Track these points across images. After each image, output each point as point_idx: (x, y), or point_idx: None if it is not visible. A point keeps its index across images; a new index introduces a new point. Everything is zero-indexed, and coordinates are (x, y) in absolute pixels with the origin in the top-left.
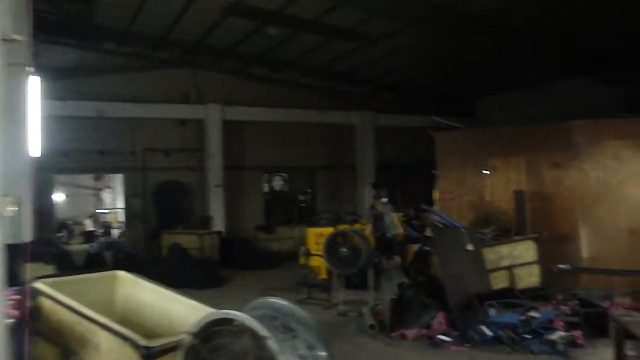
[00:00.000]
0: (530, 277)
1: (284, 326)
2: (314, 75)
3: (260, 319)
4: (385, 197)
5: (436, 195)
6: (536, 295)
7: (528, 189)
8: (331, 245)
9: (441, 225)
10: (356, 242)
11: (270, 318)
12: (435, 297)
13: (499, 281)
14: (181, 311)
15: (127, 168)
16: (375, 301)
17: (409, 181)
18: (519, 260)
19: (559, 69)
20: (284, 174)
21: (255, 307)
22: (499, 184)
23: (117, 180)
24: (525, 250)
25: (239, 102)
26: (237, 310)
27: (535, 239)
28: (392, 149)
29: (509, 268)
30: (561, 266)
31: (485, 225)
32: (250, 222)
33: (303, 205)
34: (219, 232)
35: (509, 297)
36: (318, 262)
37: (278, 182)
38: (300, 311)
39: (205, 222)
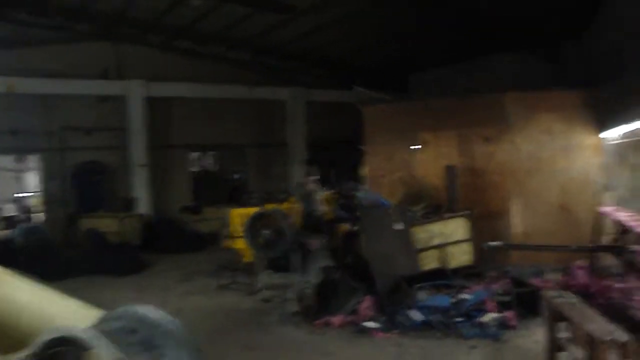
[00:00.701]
0: (462, 256)
1: (146, 342)
2: (242, 50)
3: (116, 333)
4: (316, 175)
5: (365, 172)
6: (468, 274)
7: (459, 164)
8: (253, 228)
9: (368, 204)
10: (279, 223)
11: (130, 332)
12: (364, 281)
13: (430, 261)
14: (64, 314)
15: (43, 148)
16: (302, 285)
17: (342, 158)
18: (450, 238)
19: (492, 43)
20: (213, 153)
21: (114, 317)
22: (429, 159)
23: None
24: (456, 228)
25: (164, 78)
26: (138, 305)
27: (466, 216)
28: (325, 125)
29: (440, 247)
30: (492, 243)
31: (416, 202)
32: (178, 203)
33: (234, 184)
34: (140, 215)
35: (440, 278)
36: (243, 245)
37: (207, 161)
38: (170, 322)
39: (128, 204)
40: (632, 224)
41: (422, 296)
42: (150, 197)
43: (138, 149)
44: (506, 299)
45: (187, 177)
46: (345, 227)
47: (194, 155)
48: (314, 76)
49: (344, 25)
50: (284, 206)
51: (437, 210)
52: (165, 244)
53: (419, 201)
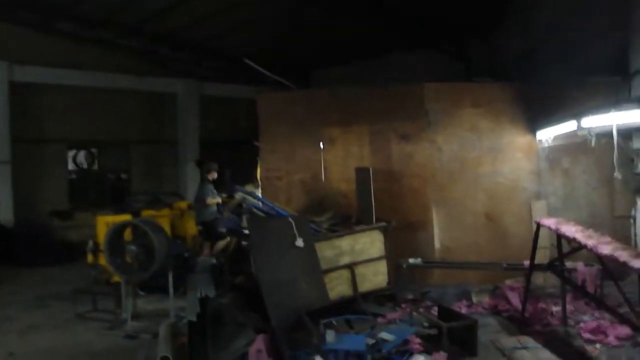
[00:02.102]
0: (376, 277)
1: None
2: (131, 36)
3: None
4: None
5: (259, 173)
6: (382, 296)
7: (373, 165)
8: (114, 243)
9: (259, 213)
10: (149, 236)
11: None
12: (258, 312)
13: (337, 284)
14: None
15: None
16: (180, 314)
17: (238, 159)
18: (362, 255)
19: (397, 40)
20: (92, 149)
21: None
22: (337, 159)
23: None
24: (370, 243)
25: (38, 62)
26: None
27: (382, 229)
28: (219, 122)
29: (350, 267)
30: (412, 260)
31: (319, 211)
32: (51, 206)
33: (117, 185)
34: None
35: (349, 306)
36: None
37: (86, 159)
38: None
39: None
40: (581, 238)
41: (331, 336)
42: (13, 200)
43: None
44: (432, 332)
45: (62, 177)
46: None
47: (71, 152)
48: (208, 69)
49: (241, 13)
50: (165, 212)
51: (346, 222)
52: (27, 255)
53: (323, 210)
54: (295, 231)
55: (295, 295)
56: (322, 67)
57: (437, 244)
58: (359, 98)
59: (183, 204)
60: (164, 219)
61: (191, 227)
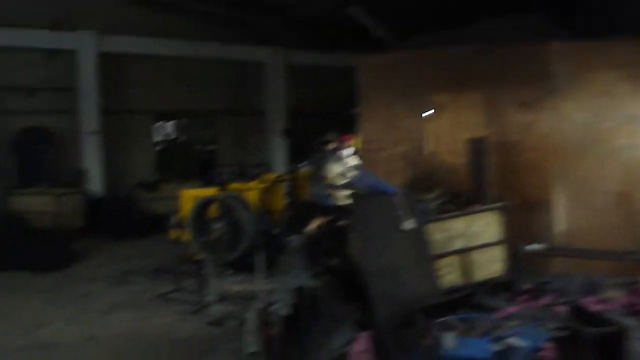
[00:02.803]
0: (491, 264)
1: None
2: (214, 2)
3: None
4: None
5: (357, 144)
6: (495, 285)
7: (486, 137)
8: (199, 219)
9: (364, 190)
10: (236, 213)
11: None
12: (358, 301)
13: (448, 272)
14: None
15: None
16: (269, 299)
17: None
18: (477, 240)
19: (489, 5)
20: (180, 120)
21: None
22: (445, 129)
23: None
24: (486, 226)
25: (122, 31)
26: None
27: (500, 210)
28: (307, 91)
29: (463, 252)
30: (532, 246)
31: (426, 188)
32: (138, 177)
33: (205, 157)
34: (82, 192)
35: (465, 301)
36: None
37: (173, 130)
38: None
39: (76, 178)
40: None
41: (450, 340)
42: (102, 171)
43: (89, 114)
44: (566, 334)
45: (149, 148)
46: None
47: (158, 123)
48: (295, 35)
49: None
50: (253, 185)
51: (456, 201)
52: (115, 226)
53: (430, 187)
54: (403, 212)
55: (403, 286)
56: (406, 38)
57: (558, 228)
58: (472, 59)
59: (271, 176)
60: (251, 192)
61: (280, 202)
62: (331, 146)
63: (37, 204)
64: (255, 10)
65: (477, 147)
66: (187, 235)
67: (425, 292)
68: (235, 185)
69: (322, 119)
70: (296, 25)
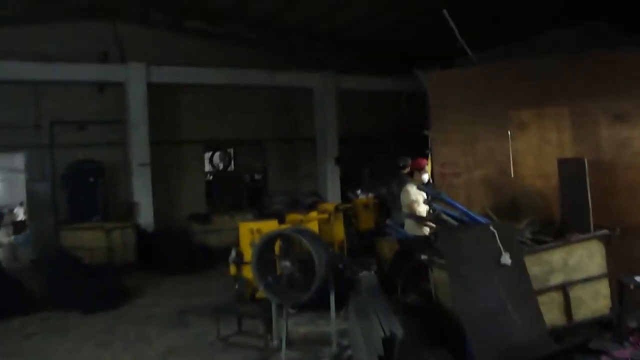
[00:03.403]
0: (596, 301)
1: None
2: (260, 29)
3: None
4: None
5: (429, 168)
6: (597, 324)
7: (575, 155)
8: (264, 257)
9: (451, 221)
10: (307, 249)
11: None
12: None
13: (547, 310)
14: None
15: (29, 145)
16: (343, 342)
17: (381, 156)
18: (578, 273)
19: (554, 15)
20: (228, 149)
21: None
22: (530, 149)
23: None
24: (587, 257)
25: (171, 62)
26: None
27: (603, 238)
28: (359, 117)
29: (563, 288)
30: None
31: (511, 216)
32: (188, 209)
33: (253, 186)
34: (135, 225)
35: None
36: None
37: (222, 159)
38: None
39: (127, 211)
40: None
41: None
42: (153, 203)
43: (139, 145)
44: None
45: (199, 179)
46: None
47: (207, 152)
48: (344, 60)
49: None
50: (313, 216)
51: (548, 230)
52: (167, 261)
53: (515, 215)
54: (500, 244)
55: (507, 332)
56: (462, 54)
57: None
58: (556, 71)
59: (330, 206)
60: (311, 223)
61: (339, 233)
62: (406, 171)
63: (88, 239)
64: (304, 36)
65: (573, 169)
66: (248, 273)
67: (533, 339)
68: (294, 217)
69: (376, 145)
70: (345, 49)
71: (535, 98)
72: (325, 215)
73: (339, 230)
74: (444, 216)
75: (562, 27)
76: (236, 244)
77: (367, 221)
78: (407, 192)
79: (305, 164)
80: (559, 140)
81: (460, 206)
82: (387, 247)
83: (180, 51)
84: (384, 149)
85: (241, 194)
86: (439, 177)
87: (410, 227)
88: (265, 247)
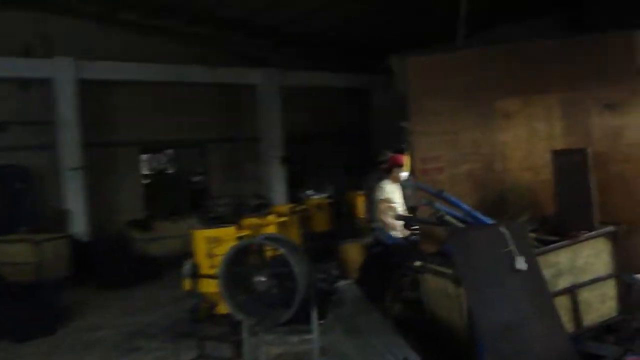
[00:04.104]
0: (603, 303)
1: None
2: (201, 23)
3: None
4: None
5: (408, 163)
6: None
7: (566, 145)
8: (234, 272)
9: (456, 222)
10: (287, 262)
11: None
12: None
13: None
14: None
15: None
16: None
17: (331, 155)
18: (585, 275)
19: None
20: (168, 150)
21: None
22: (517, 141)
23: None
24: (595, 257)
25: (103, 57)
26: None
27: (610, 235)
28: (306, 115)
29: (571, 291)
30: None
31: (500, 214)
32: (126, 215)
33: (194, 189)
34: (67, 236)
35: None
36: (215, 287)
37: (161, 161)
38: None
39: (57, 220)
40: None
41: None
42: (87, 210)
43: (70, 148)
44: None
45: (137, 183)
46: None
47: (145, 155)
48: (289, 56)
49: None
50: (272, 220)
51: (545, 228)
52: (104, 274)
53: (506, 211)
54: (513, 246)
55: (528, 345)
56: (410, 50)
57: None
58: (546, 56)
59: (284, 208)
60: (270, 227)
61: (294, 236)
62: (384, 167)
63: (13, 253)
64: (246, 31)
65: (570, 160)
66: (205, 287)
67: (557, 353)
68: (250, 221)
69: (329, 143)
70: (290, 45)
71: (524, 86)
72: (286, 218)
73: (294, 234)
74: (449, 217)
75: (515, 22)
76: (186, 252)
77: (321, 223)
78: (382, 190)
79: (249, 165)
80: (548, 131)
81: (464, 205)
82: (354, 252)
83: (115, 46)
84: (335, 149)
85: (182, 198)
86: (420, 173)
87: (390, 228)
88: (234, 260)
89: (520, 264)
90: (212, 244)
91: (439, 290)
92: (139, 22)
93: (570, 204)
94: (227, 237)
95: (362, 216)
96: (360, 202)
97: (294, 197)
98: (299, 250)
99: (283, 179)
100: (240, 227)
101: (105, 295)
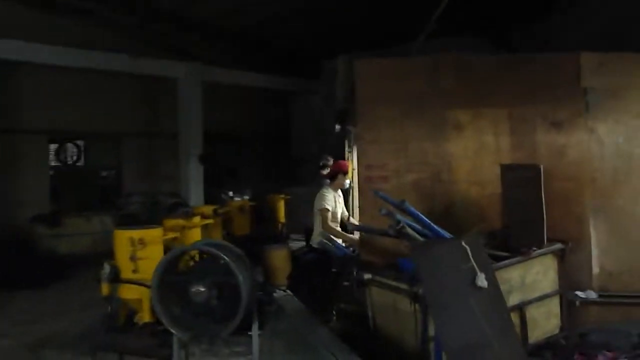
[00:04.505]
0: (548, 320)
1: None
2: (127, 10)
3: None
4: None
5: (352, 171)
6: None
7: (512, 161)
8: (169, 281)
9: (416, 236)
10: (230, 270)
11: None
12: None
13: None
14: None
15: None
16: None
17: (252, 156)
18: (533, 292)
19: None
20: (78, 142)
21: None
22: (466, 153)
23: None
24: (542, 274)
25: (11, 35)
26: None
27: (558, 252)
28: (231, 114)
29: (520, 308)
30: (583, 294)
31: (448, 227)
32: (29, 210)
33: (105, 184)
34: None
35: None
36: (137, 293)
37: (71, 153)
38: None
39: None
40: None
41: None
42: None
43: None
44: None
45: (43, 174)
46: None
47: (54, 145)
48: (216, 52)
49: None
50: (197, 222)
51: (491, 242)
52: (9, 273)
53: (452, 225)
54: (474, 263)
55: None
56: (334, 57)
57: (595, 269)
58: (497, 70)
59: (207, 209)
60: (194, 230)
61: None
62: (325, 172)
63: None
64: (172, 22)
65: (519, 176)
66: (125, 292)
67: None
68: (174, 222)
69: (251, 145)
70: (218, 40)
71: (474, 98)
72: (212, 220)
73: (216, 237)
74: (409, 230)
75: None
76: (105, 255)
77: (242, 226)
78: (324, 197)
79: (166, 162)
80: (496, 145)
81: (424, 218)
82: (281, 258)
83: (25, 24)
84: (254, 148)
85: (92, 193)
86: (364, 181)
87: (318, 236)
88: (169, 268)
89: (482, 281)
90: (136, 246)
91: (389, 305)
92: (53, 2)
93: (520, 219)
94: (153, 239)
95: (283, 220)
96: (282, 206)
97: (212, 197)
98: (243, 257)
99: (201, 179)
100: (164, 227)
101: (6, 299)
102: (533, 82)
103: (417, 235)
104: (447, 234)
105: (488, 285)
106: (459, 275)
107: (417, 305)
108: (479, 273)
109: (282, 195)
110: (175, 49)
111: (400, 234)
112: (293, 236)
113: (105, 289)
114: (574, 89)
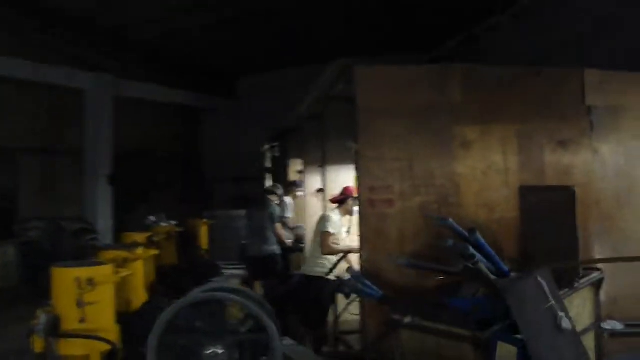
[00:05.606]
0: None
1: None
2: (29, 15)
3: None
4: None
5: (356, 191)
6: None
7: (520, 183)
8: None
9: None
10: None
11: None
12: None
13: None
14: None
15: None
16: None
17: (166, 177)
18: (578, 327)
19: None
20: None
21: None
22: (474, 173)
23: None
24: (582, 306)
25: None
26: None
27: (597, 283)
28: (139, 132)
29: None
30: (607, 325)
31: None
32: None
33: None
34: None
35: None
36: (86, 349)
37: None
38: None
39: None
40: None
41: None
42: None
43: None
44: None
45: None
46: None
47: None
48: (128, 64)
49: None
50: (139, 253)
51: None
52: None
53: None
54: (553, 301)
55: None
56: (250, 73)
57: (602, 296)
58: (505, 83)
59: (140, 237)
60: (137, 263)
61: (150, 272)
62: (335, 198)
63: None
64: (81, 29)
65: (540, 199)
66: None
67: None
68: (113, 254)
69: (164, 164)
70: (132, 52)
71: (483, 113)
72: (157, 251)
73: (150, 269)
74: (483, 267)
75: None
76: (48, 303)
77: (170, 255)
78: (328, 219)
79: (70, 183)
80: (504, 164)
81: (491, 250)
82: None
83: None
84: (173, 171)
85: None
86: (366, 206)
87: (312, 263)
88: (170, 324)
89: (566, 322)
90: (84, 288)
91: (431, 353)
92: None
93: (548, 248)
94: (105, 278)
95: (205, 247)
96: (205, 232)
97: (123, 222)
98: (263, 302)
99: (110, 201)
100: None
101: None
102: (540, 97)
103: (489, 273)
104: (506, 269)
105: (572, 328)
106: (543, 316)
107: (478, 353)
108: (559, 313)
109: (205, 220)
110: (83, 59)
111: (469, 271)
112: (220, 264)
113: (38, 343)
114: (578, 107)
